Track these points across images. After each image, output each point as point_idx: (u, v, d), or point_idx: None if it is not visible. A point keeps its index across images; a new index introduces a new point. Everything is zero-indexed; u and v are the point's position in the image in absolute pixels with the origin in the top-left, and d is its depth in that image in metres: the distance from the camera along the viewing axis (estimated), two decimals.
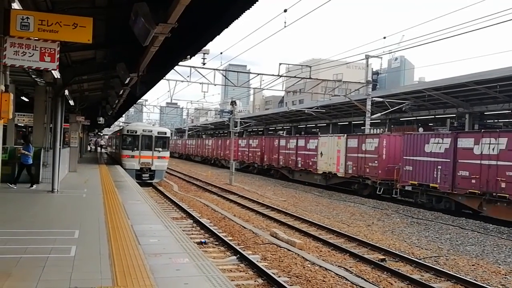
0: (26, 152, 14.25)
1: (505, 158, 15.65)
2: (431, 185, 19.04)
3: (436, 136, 19.39)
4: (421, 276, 9.59)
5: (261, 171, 37.21)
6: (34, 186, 14.33)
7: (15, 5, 5.98)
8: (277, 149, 33.86)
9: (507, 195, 15.37)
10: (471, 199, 17.17)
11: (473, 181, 16.90)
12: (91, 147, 66.21)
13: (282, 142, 33.27)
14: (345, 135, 26.39)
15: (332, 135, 29.38)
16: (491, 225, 15.60)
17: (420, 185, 19.69)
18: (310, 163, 28.74)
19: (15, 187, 13.87)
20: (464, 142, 17.67)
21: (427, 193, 19.55)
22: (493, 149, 16.17)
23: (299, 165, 30.24)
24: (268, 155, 35.57)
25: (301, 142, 30.31)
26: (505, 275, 9.88)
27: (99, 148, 67.14)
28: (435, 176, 18.83)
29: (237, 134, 38.50)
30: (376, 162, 22.57)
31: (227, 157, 42.76)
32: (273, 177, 34.48)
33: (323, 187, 27.13)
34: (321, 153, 27.53)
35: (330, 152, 26.58)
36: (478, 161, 16.71)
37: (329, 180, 27.10)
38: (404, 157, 20.66)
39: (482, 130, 18.65)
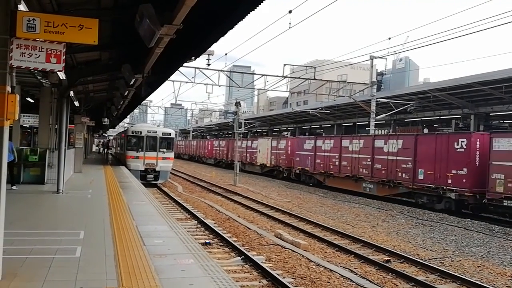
0: None
1: (332, 152, 26.93)
2: (306, 168, 29.80)
3: (307, 139, 30.53)
4: (426, 277, 9.56)
5: (227, 165, 45.93)
6: (15, 186, 13.65)
7: (22, 7, 6.00)
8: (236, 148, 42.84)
9: (333, 173, 26.65)
10: (321, 175, 28.31)
11: (321, 165, 27.89)
12: (99, 148, 61.54)
13: (239, 143, 41.84)
14: (271, 137, 38.26)
15: (264, 138, 41.08)
16: (496, 226, 15.54)
17: (302, 169, 30.42)
18: (253, 158, 39.60)
19: (16, 188, 13.69)
20: (318, 143, 28.69)
21: (305, 174, 30.43)
22: (328, 146, 27.46)
23: (248, 159, 40.87)
24: (231, 152, 44.48)
25: (249, 143, 41.09)
26: (511, 277, 9.83)
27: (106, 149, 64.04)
28: (307, 163, 29.49)
29: (241, 135, 39.05)
30: (284, 156, 33.46)
31: (206, 155, 55.76)
32: (233, 169, 41.97)
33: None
34: (259, 150, 38.16)
35: (264, 150, 37.09)
36: (323, 154, 27.79)
37: (263, 169, 37.60)
38: (295, 152, 31.50)
39: (324, 135, 32.09)
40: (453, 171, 18.23)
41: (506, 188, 15.93)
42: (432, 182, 19.10)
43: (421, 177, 19.77)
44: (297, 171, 31.16)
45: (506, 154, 16.14)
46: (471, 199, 17.61)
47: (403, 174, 20.82)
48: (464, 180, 17.78)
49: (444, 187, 18.57)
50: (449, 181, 18.36)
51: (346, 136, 27.80)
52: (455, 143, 18.44)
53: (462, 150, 18.10)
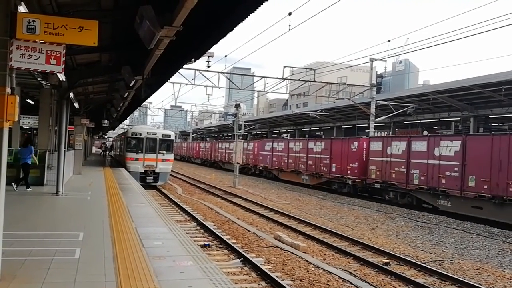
0: None
1: (283, 152, 32.96)
2: (266, 165, 36.11)
3: (268, 142, 37.22)
4: (426, 280, 9.55)
5: (211, 164, 52.27)
6: (29, 188, 14.12)
7: (22, 8, 6.01)
8: (217, 149, 49.75)
9: (283, 168, 32.63)
10: (276, 171, 34.33)
11: (276, 163, 34.03)
12: (102, 152, 57.08)
13: (219, 144, 49.74)
14: (243, 140, 43.57)
15: (239, 140, 46.85)
16: (496, 229, 15.52)
17: (264, 166, 36.67)
18: (231, 157, 43.49)
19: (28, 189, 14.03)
20: (274, 145, 34.90)
21: (265, 170, 36.66)
22: (280, 147, 33.56)
23: (226, 159, 46.08)
24: (213, 153, 51.26)
25: (227, 145, 46.49)
26: (510, 279, 9.83)
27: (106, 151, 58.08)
28: (267, 161, 35.83)
29: (241, 137, 39.43)
30: (252, 155, 39.52)
31: (194, 155, 62.30)
32: (216, 168, 49.15)
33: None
34: (235, 151, 41.92)
35: (239, 151, 40.14)
36: (277, 153, 34.00)
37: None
38: (259, 152, 37.82)
39: (277, 139, 39.72)
40: (350, 165, 24.79)
41: (376, 176, 22.68)
42: (340, 173, 25.69)
43: (334, 169, 26.31)
44: (261, 168, 37.74)
45: (377, 152, 22.76)
46: (359, 184, 24.35)
47: (324, 168, 27.39)
48: (356, 171, 24.37)
49: (346, 177, 25.20)
50: (348, 172, 24.92)
51: (291, 139, 36.07)
52: (351, 145, 25.03)
53: (355, 149, 24.62)
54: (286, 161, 32.41)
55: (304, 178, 30.00)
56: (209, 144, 55.31)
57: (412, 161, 20.27)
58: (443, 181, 18.49)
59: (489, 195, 16.36)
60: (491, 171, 16.38)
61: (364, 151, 23.98)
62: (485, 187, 16.54)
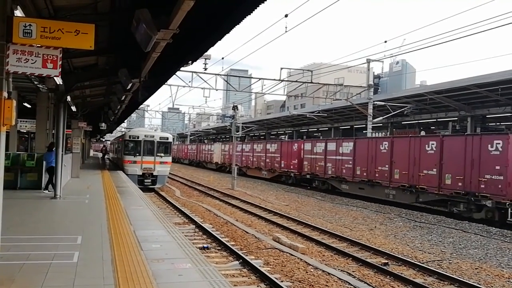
0: None
1: (249, 152, 39.57)
2: (237, 164, 35.46)
3: (238, 143, 40.35)
4: (424, 280, 9.57)
5: (197, 164, 58.59)
6: (47, 191, 14.84)
7: (18, 13, 6.02)
8: (201, 150, 56.86)
9: (250, 166, 39.37)
10: (245, 168, 40.31)
11: (245, 161, 40.10)
12: (104, 154, 56.15)
13: (203, 146, 57.26)
14: (221, 143, 51.72)
15: (218, 142, 54.08)
16: (494, 228, 15.56)
17: (236, 165, 37.72)
18: (212, 158, 50.81)
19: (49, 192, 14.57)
20: (243, 146, 41.66)
21: (242, 168, 40.37)
22: (248, 148, 40.45)
23: (208, 159, 52.80)
24: (198, 154, 58.17)
25: (209, 146, 53.98)
26: (508, 279, 9.85)
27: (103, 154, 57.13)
28: (243, 160, 40.77)
29: (238, 139, 39.67)
30: (227, 155, 43.79)
31: (183, 156, 68.89)
32: (200, 167, 55.56)
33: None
34: (215, 152, 49.46)
35: (217, 151, 48.49)
36: (246, 154, 40.45)
37: (217, 165, 48.75)
38: (235, 153, 38.96)
39: (245, 141, 46.26)
40: (293, 161, 31.39)
41: (307, 169, 29.04)
42: (286, 168, 32.43)
43: (283, 165, 33.02)
44: (236, 166, 41.65)
45: (308, 151, 29.09)
46: (298, 176, 30.81)
47: (276, 164, 34.05)
48: (296, 166, 30.88)
49: (290, 171, 31.92)
50: (291, 167, 31.59)
51: (256, 141, 41.71)
52: (293, 146, 31.67)
53: (296, 149, 31.10)
54: (251, 159, 39.23)
55: (263, 173, 36.82)
56: (195, 147, 62.79)
57: (328, 157, 26.89)
58: (344, 171, 25.27)
59: (366, 180, 23.17)
60: (368, 163, 23.07)
61: (302, 151, 29.92)
62: (365, 174, 23.33)
